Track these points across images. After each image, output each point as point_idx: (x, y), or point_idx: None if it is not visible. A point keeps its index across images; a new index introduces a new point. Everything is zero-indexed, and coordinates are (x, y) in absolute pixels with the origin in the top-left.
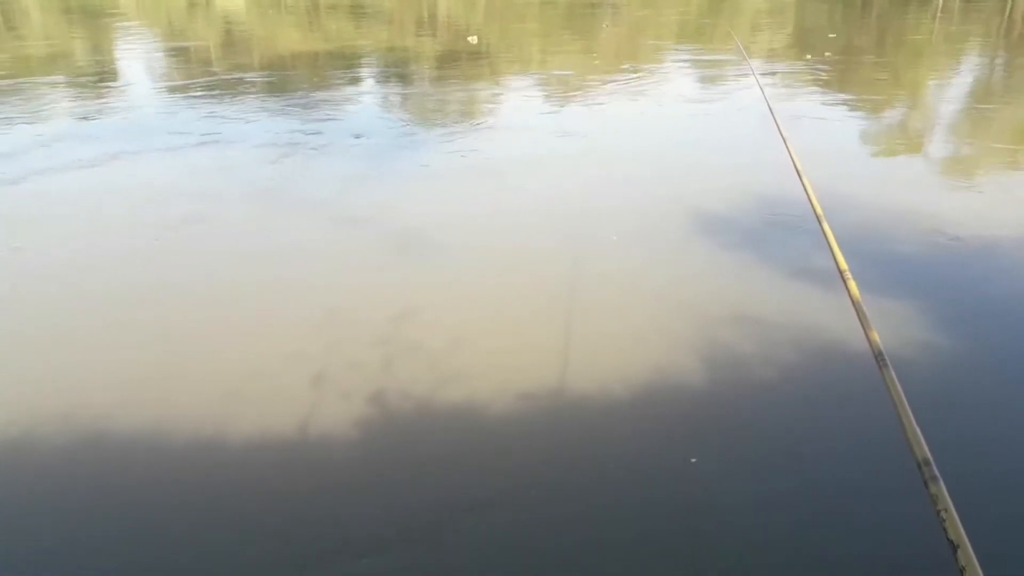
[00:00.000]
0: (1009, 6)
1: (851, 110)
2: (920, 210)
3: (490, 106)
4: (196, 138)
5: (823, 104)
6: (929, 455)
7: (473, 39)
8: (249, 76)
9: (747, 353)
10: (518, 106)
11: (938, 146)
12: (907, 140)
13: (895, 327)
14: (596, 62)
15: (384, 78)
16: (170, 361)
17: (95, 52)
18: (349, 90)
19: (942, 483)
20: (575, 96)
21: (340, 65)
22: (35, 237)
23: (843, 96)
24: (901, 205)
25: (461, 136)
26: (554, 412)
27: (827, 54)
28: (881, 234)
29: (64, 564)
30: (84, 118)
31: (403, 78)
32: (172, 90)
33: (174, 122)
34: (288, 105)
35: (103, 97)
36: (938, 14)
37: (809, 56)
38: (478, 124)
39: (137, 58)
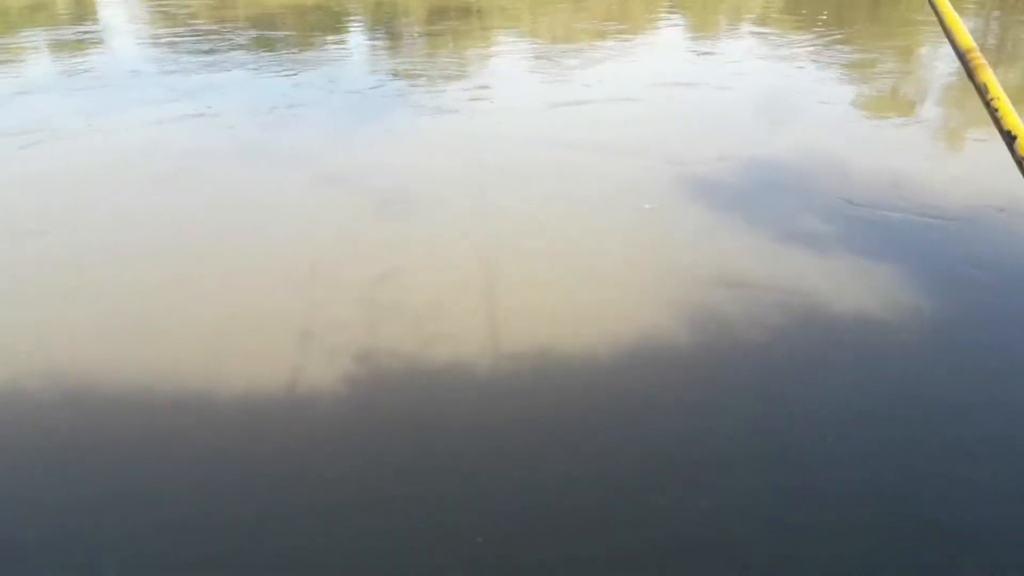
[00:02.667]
0: None
1: (840, 66)
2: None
3: (480, 63)
4: (179, 93)
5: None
6: (973, 43)
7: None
8: (234, 30)
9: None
10: (510, 63)
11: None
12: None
13: None
14: (590, 23)
15: (372, 33)
16: (152, 316)
17: (76, 4)
18: (336, 45)
19: (990, 69)
20: (571, 53)
21: (327, 20)
22: (12, 192)
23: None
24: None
25: (449, 92)
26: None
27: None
28: None
29: (46, 523)
30: (64, 72)
31: (392, 34)
32: (154, 44)
33: (156, 76)
34: (274, 60)
35: (83, 51)
36: None
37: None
38: (468, 81)
39: (118, 11)
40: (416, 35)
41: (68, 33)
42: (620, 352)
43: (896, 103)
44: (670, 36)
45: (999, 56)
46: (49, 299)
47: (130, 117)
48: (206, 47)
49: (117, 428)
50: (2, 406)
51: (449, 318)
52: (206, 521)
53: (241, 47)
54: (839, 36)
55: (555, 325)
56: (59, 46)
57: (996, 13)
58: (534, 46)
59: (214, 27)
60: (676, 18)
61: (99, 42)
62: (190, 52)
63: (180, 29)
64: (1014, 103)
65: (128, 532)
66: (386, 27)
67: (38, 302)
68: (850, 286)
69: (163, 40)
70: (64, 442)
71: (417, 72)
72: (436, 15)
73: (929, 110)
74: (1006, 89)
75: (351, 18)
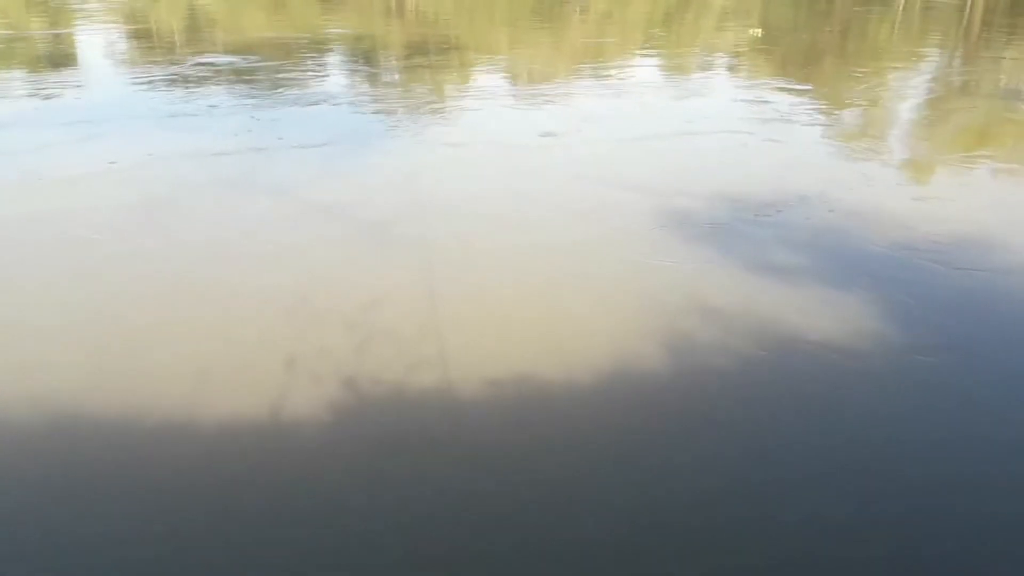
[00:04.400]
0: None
1: (807, 97)
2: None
3: (456, 97)
4: (156, 122)
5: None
6: None
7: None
8: (212, 61)
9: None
10: (487, 95)
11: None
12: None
13: None
14: (567, 55)
15: (350, 67)
16: (138, 344)
17: (54, 34)
18: (314, 78)
19: None
20: (544, 87)
21: (305, 52)
22: None
23: (797, 85)
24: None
25: (427, 126)
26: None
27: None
28: None
29: (30, 549)
30: (43, 100)
31: (370, 67)
32: (133, 74)
33: (135, 106)
34: (252, 91)
35: (62, 80)
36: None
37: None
38: (442, 114)
39: (97, 41)
40: (395, 71)
41: (44, 62)
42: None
43: None
44: (644, 75)
45: (966, 92)
46: (29, 328)
47: (106, 145)
48: (182, 78)
49: (98, 461)
50: None
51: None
52: (192, 552)
53: (219, 78)
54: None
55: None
56: (35, 76)
57: (960, 51)
58: (509, 84)
59: (195, 61)
60: (650, 58)
61: (75, 72)
62: (166, 83)
63: (159, 59)
64: (991, 138)
65: (110, 565)
66: (366, 62)
67: (17, 334)
68: None
69: (139, 71)
70: (46, 470)
71: (393, 110)
72: (415, 49)
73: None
74: (977, 125)
75: (328, 50)
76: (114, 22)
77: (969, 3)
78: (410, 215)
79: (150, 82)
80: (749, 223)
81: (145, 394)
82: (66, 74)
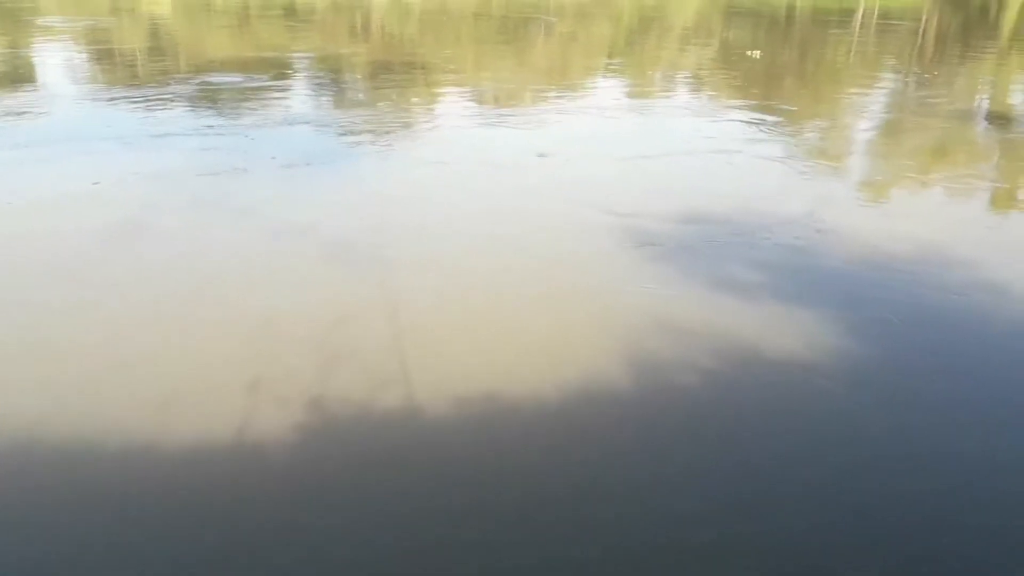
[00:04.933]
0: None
1: (784, 117)
2: None
3: (424, 117)
4: (120, 144)
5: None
6: None
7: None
8: (176, 81)
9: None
10: (451, 116)
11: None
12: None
13: None
14: (536, 75)
15: (316, 87)
16: (105, 367)
17: (13, 53)
18: (279, 97)
19: None
20: (516, 108)
21: (270, 72)
22: None
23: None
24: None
25: (394, 146)
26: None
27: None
28: None
29: None
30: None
31: (335, 87)
32: (94, 95)
33: (96, 127)
34: (216, 112)
35: (22, 100)
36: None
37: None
38: (411, 133)
39: (58, 60)
40: (361, 91)
41: (3, 82)
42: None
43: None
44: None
45: (924, 111)
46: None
47: (69, 167)
48: (145, 98)
49: (67, 478)
50: None
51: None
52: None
53: (183, 99)
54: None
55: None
56: None
57: (915, 69)
58: (475, 105)
59: (157, 81)
60: (618, 79)
61: (35, 92)
62: (129, 104)
63: (121, 79)
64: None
65: None
66: (332, 81)
67: None
68: None
69: (101, 91)
70: (9, 493)
71: (359, 130)
72: (381, 70)
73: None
74: (941, 145)
75: (294, 70)
76: (75, 41)
77: (923, 25)
78: (384, 235)
79: (112, 102)
80: (727, 242)
81: (113, 417)
82: (28, 94)
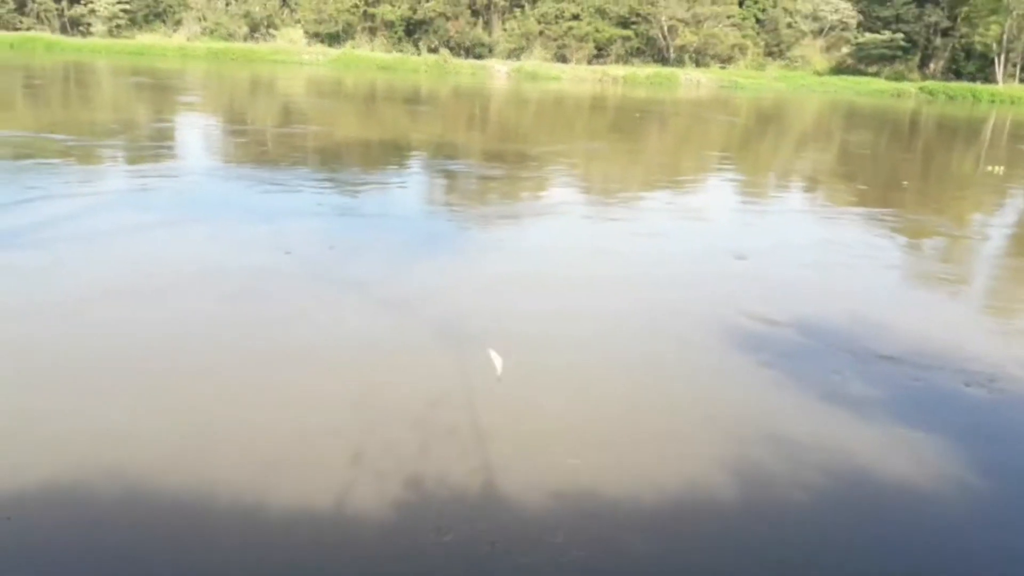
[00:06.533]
0: None
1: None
2: None
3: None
4: (246, 215)
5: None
6: None
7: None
8: (303, 159)
9: None
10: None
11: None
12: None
13: None
14: (652, 171)
15: (434, 170)
16: (215, 429)
17: (158, 125)
18: (398, 182)
19: None
20: (617, 201)
21: (392, 156)
22: (93, 300)
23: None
24: None
25: (500, 231)
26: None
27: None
28: None
29: None
30: (142, 187)
31: (451, 172)
32: (227, 170)
33: (228, 200)
34: (339, 190)
35: (163, 168)
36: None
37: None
38: (519, 222)
39: (197, 135)
40: (473, 178)
41: (147, 156)
42: None
43: None
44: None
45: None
46: (107, 406)
47: (197, 236)
48: (275, 175)
49: (170, 538)
50: (44, 510)
51: None
52: None
53: (310, 178)
54: None
55: None
56: (136, 167)
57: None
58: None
59: (287, 159)
60: (732, 178)
61: (173, 166)
62: (257, 180)
63: (253, 155)
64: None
65: None
66: (447, 166)
67: (99, 410)
68: None
69: (233, 166)
70: (111, 551)
71: (467, 214)
72: (493, 158)
73: None
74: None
75: (413, 155)
76: (214, 115)
77: None
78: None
79: (243, 179)
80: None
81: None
82: (168, 163)
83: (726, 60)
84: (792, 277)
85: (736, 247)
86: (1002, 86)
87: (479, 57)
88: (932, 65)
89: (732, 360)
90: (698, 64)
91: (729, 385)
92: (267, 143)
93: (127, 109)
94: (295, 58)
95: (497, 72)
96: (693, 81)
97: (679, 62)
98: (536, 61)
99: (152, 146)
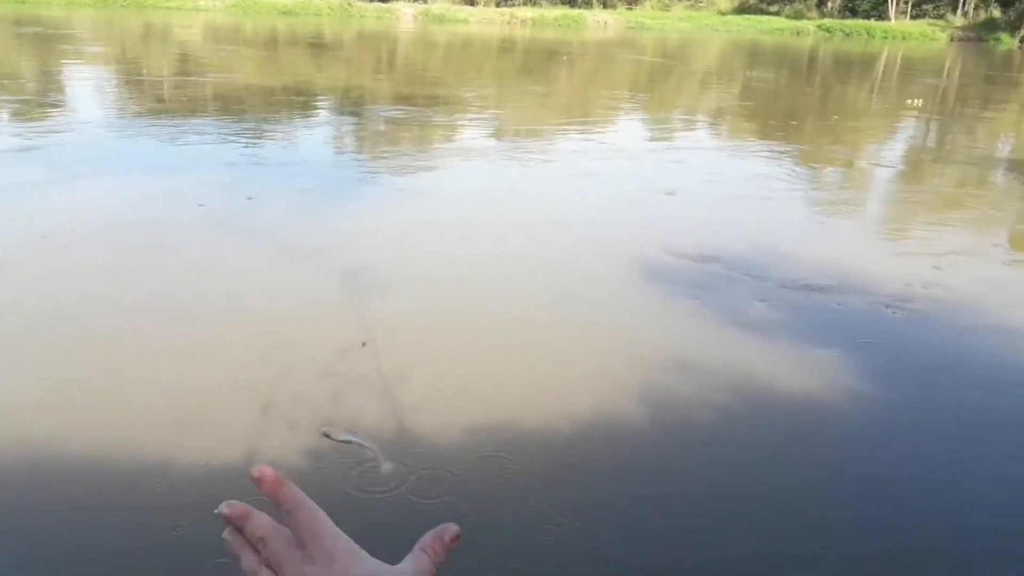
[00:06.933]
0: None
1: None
2: None
3: (442, 146)
4: (146, 167)
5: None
6: None
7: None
8: (202, 108)
9: None
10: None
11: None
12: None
13: None
14: (561, 111)
15: (339, 115)
16: (120, 388)
17: (45, 77)
18: (302, 125)
19: None
20: (539, 142)
21: (296, 101)
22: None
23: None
24: None
25: (419, 177)
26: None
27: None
28: None
29: None
30: (32, 142)
31: (359, 116)
32: (122, 119)
33: (123, 150)
34: (239, 137)
35: (53, 123)
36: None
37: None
38: (427, 163)
39: (89, 86)
40: (387, 123)
41: (36, 104)
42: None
43: None
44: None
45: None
46: (7, 363)
47: (94, 188)
48: (172, 124)
49: (75, 493)
50: None
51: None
52: None
53: (208, 125)
54: None
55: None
56: (25, 117)
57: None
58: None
59: (184, 107)
60: (638, 116)
61: (64, 116)
62: (155, 128)
63: (149, 105)
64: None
65: None
66: (353, 110)
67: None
68: None
69: (128, 116)
70: (15, 507)
71: (381, 154)
72: (405, 101)
73: None
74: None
75: (318, 100)
76: (106, 65)
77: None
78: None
79: (137, 125)
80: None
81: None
82: (58, 117)
83: (632, 1)
84: (718, 212)
85: (664, 185)
86: (894, 22)
87: (384, 0)
88: (829, 3)
89: (660, 293)
90: (605, 5)
91: (654, 317)
92: (165, 94)
93: (11, 61)
94: (190, 4)
95: (403, 15)
96: (600, 22)
97: (586, 3)
98: (443, 4)
99: (41, 99)
